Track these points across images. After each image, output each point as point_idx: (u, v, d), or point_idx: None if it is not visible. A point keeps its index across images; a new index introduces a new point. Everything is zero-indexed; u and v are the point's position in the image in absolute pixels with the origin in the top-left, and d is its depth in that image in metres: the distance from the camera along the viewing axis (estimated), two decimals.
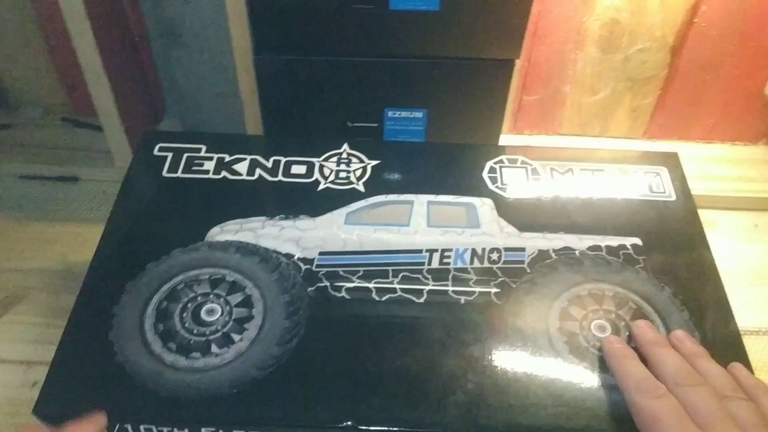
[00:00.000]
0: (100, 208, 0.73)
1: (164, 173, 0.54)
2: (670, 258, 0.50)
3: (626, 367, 0.41)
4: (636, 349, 0.43)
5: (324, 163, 0.55)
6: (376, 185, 0.54)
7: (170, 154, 0.56)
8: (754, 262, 0.71)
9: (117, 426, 0.42)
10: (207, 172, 0.55)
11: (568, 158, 0.57)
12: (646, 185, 0.54)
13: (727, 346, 0.45)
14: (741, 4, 0.70)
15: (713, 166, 0.81)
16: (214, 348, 0.44)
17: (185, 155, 0.56)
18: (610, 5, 0.70)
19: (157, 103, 0.79)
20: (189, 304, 0.46)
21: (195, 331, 0.45)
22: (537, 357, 0.44)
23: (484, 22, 0.59)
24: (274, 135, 0.66)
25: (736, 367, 0.42)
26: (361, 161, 0.55)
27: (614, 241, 0.50)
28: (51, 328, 0.61)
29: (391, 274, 0.48)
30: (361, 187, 0.53)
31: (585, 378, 0.43)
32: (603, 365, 0.43)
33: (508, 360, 0.44)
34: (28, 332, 0.61)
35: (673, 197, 0.54)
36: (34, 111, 0.83)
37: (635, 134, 0.83)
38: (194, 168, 0.55)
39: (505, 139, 0.71)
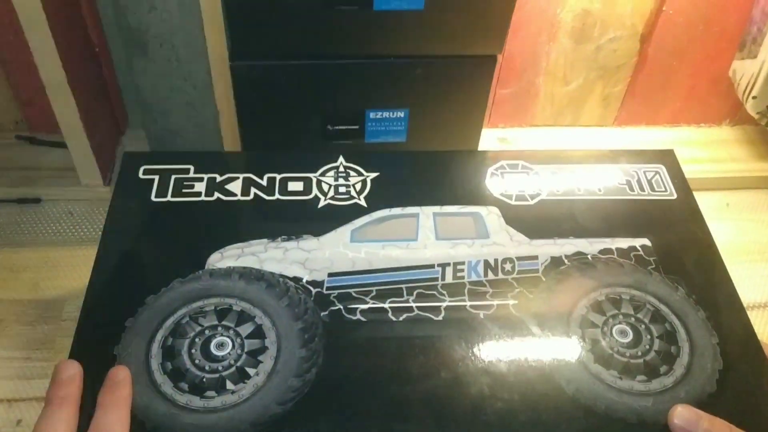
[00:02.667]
0: (67, 230, 0.68)
1: (153, 198, 0.51)
2: (679, 257, 0.50)
3: None
4: None
5: (321, 178, 0.53)
6: (377, 199, 0.52)
7: (157, 177, 0.52)
8: (728, 240, 0.73)
9: None
10: (198, 194, 0.51)
11: (567, 160, 0.56)
12: (647, 184, 0.54)
13: (743, 345, 0.45)
14: None
15: (682, 149, 0.82)
16: (229, 384, 0.42)
17: (173, 177, 0.52)
18: None
19: (119, 115, 0.74)
20: (197, 339, 0.43)
21: (207, 368, 0.42)
22: (563, 368, 0.43)
23: (468, 18, 0.58)
24: (263, 150, 0.63)
25: None
26: (360, 174, 0.53)
27: (624, 243, 0.50)
28: (31, 362, 0.58)
29: (405, 292, 0.47)
30: (363, 202, 0.51)
31: (613, 386, 0.43)
32: (629, 372, 0.43)
33: (535, 374, 0.43)
34: (6, 368, 0.57)
35: (675, 195, 0.54)
36: None
37: (606, 122, 0.84)
38: (185, 191, 0.51)
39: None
